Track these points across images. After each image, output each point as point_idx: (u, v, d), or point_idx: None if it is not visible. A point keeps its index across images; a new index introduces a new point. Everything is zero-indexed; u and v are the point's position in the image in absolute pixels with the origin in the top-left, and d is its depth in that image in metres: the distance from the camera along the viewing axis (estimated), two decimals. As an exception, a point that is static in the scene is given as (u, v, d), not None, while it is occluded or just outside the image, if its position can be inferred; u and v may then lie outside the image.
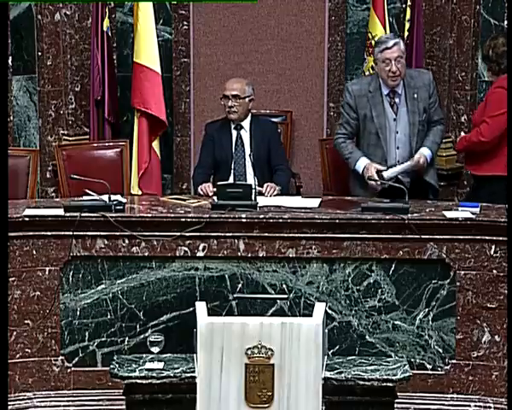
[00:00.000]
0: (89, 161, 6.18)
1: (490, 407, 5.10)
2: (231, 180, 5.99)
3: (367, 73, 6.86)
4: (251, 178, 5.88)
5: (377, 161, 5.77)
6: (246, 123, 6.11)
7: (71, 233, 5.06)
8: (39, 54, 6.96)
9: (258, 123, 6.17)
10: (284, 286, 5.07)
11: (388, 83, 5.79)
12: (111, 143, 6.33)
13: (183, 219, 5.09)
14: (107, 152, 6.28)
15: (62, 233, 5.08)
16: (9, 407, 5.05)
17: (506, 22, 6.68)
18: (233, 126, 6.10)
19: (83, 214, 5.08)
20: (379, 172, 5.71)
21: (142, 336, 5.00)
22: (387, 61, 5.73)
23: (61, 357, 5.12)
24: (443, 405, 5.11)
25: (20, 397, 5.10)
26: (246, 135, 6.10)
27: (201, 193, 5.78)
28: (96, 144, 6.46)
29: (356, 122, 5.86)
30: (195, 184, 6.12)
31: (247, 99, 6.05)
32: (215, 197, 5.26)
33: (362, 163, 5.77)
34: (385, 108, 5.83)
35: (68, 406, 5.11)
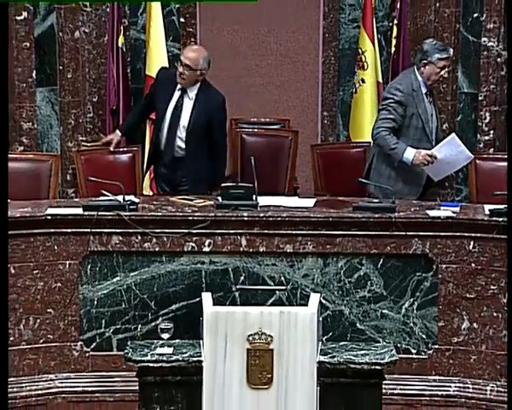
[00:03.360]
0: (105, 165, 6.15)
1: (468, 388, 5.10)
2: (162, 141, 5.93)
3: (357, 85, 6.88)
4: (182, 143, 5.88)
5: None
6: (192, 90, 5.90)
7: (89, 230, 5.06)
8: (60, 68, 6.96)
9: (205, 92, 5.90)
10: (282, 278, 5.06)
11: (433, 84, 5.88)
12: (125, 149, 6.30)
13: (191, 218, 5.08)
14: (121, 156, 6.25)
15: (81, 230, 5.07)
16: (34, 387, 5.06)
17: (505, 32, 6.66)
18: (178, 87, 5.90)
19: (99, 213, 5.07)
20: (428, 155, 5.69)
21: (153, 323, 4.99)
22: (444, 67, 5.78)
23: (80, 342, 5.11)
24: (426, 386, 5.10)
25: (43, 378, 5.09)
26: (188, 102, 5.91)
27: (104, 141, 6.17)
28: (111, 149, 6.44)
29: (401, 119, 5.78)
30: (120, 125, 6.33)
31: (198, 72, 5.83)
32: (219, 198, 5.25)
33: (410, 151, 5.69)
34: (426, 105, 5.83)
35: (87, 386, 5.10)
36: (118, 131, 6.21)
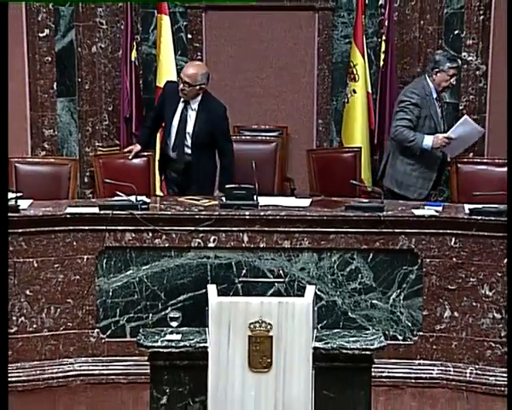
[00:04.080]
0: (120, 168, 6.14)
1: (450, 371, 5.08)
2: (170, 147, 5.94)
3: (349, 96, 6.88)
4: (188, 150, 5.88)
5: None
6: (194, 102, 5.88)
7: (104, 228, 5.05)
8: (79, 80, 6.96)
9: (207, 104, 5.87)
10: (281, 272, 5.04)
11: (443, 90, 6.03)
12: (139, 153, 6.29)
13: (197, 216, 5.07)
14: (135, 161, 6.22)
15: (97, 228, 5.05)
16: (55, 370, 5.04)
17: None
18: (181, 100, 5.89)
19: (114, 212, 5.06)
20: (445, 137, 5.85)
21: (163, 313, 4.97)
22: (453, 75, 5.94)
23: (96, 330, 5.09)
24: (411, 369, 5.09)
25: (64, 362, 5.08)
26: (192, 113, 5.89)
27: (126, 150, 6.17)
28: (125, 153, 6.42)
29: (416, 119, 5.90)
30: (138, 137, 6.31)
31: (197, 86, 5.81)
32: (223, 198, 5.24)
33: (428, 138, 5.84)
34: (436, 108, 5.97)
35: (103, 370, 5.09)
36: (137, 144, 6.22)
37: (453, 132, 5.85)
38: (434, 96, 5.95)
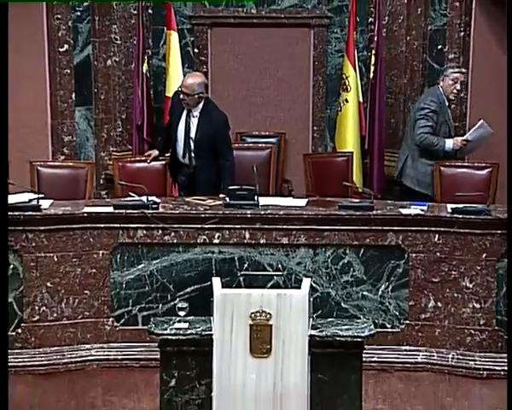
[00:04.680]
0: (137, 171, 6.14)
1: (433, 356, 5.10)
2: (178, 152, 5.96)
3: (342, 104, 6.88)
4: (193, 154, 5.90)
5: None
6: (196, 110, 5.87)
7: (118, 225, 5.06)
8: (95, 90, 6.95)
9: (208, 111, 5.86)
10: (279, 266, 5.05)
11: (450, 96, 6.18)
12: (157, 158, 6.29)
13: (203, 215, 5.07)
14: (153, 164, 6.21)
15: (112, 225, 5.06)
16: (73, 355, 5.04)
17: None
18: (185, 109, 5.92)
19: (127, 211, 5.07)
20: (463, 140, 6.10)
21: (172, 303, 4.98)
22: (456, 80, 6.13)
23: (111, 318, 5.10)
24: (398, 355, 5.10)
25: (81, 348, 5.09)
26: (194, 120, 5.89)
27: (145, 155, 6.23)
28: (143, 158, 6.40)
29: (436, 125, 6.09)
30: (157, 144, 6.33)
31: (196, 96, 5.81)
32: (227, 198, 5.24)
33: (449, 141, 6.11)
34: (449, 114, 6.19)
35: (117, 355, 5.11)
36: (155, 150, 6.25)
37: (470, 135, 6.12)
38: (446, 103, 6.15)
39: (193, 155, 5.93)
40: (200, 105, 5.88)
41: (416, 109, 6.19)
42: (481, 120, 6.19)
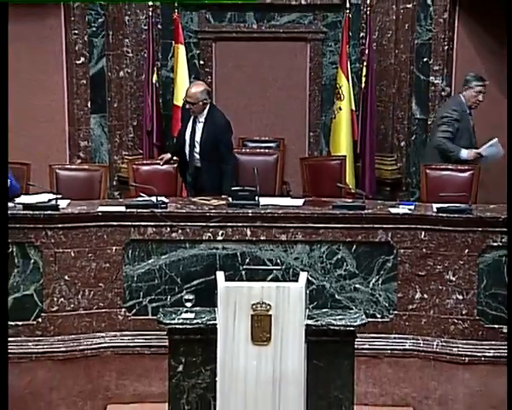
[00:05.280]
0: (149, 173, 6.12)
1: (420, 343, 5.05)
2: (186, 153, 5.98)
3: (336, 112, 6.87)
4: (198, 156, 5.92)
5: None
6: (201, 116, 5.91)
7: (130, 223, 5.03)
8: (109, 99, 6.94)
9: (212, 117, 5.90)
10: (278, 260, 5.02)
11: (472, 106, 6.17)
12: (169, 161, 6.27)
13: (208, 214, 5.05)
14: (165, 167, 6.19)
15: (124, 223, 5.03)
16: (89, 343, 5.02)
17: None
18: (192, 117, 5.97)
19: (138, 210, 5.05)
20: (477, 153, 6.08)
21: (179, 295, 4.94)
22: (480, 92, 6.11)
23: (123, 309, 5.07)
24: (388, 342, 5.07)
25: (96, 336, 5.06)
26: (199, 124, 5.93)
27: (159, 158, 6.19)
28: (157, 161, 6.37)
29: (455, 132, 6.10)
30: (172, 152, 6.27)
31: (200, 103, 5.86)
32: (230, 198, 5.22)
33: (464, 151, 6.10)
34: (470, 122, 6.17)
35: (129, 342, 5.07)
36: (169, 153, 6.24)
37: (484, 151, 6.08)
38: (467, 111, 6.14)
39: (198, 156, 5.95)
40: (205, 111, 5.91)
41: (438, 116, 6.23)
42: (495, 139, 6.12)
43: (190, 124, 5.96)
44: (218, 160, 5.93)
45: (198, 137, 5.92)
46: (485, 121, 6.42)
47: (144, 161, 6.41)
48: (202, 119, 5.92)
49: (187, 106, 5.89)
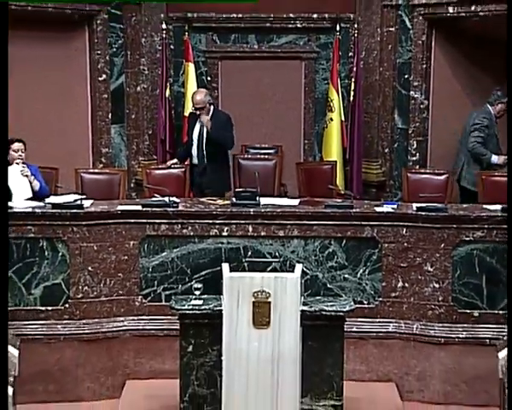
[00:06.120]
0: (161, 176, 6.10)
1: (401, 327, 5.03)
2: (194, 154, 6.06)
3: (327, 122, 6.87)
4: (205, 154, 6.00)
5: None
6: (208, 115, 6.02)
7: (145, 221, 5.01)
8: (127, 111, 6.94)
9: (217, 115, 6.05)
10: (277, 254, 5.00)
11: (500, 116, 6.31)
12: (177, 166, 6.28)
13: (214, 212, 5.03)
14: (175, 171, 6.20)
15: (140, 221, 5.01)
16: (110, 326, 5.00)
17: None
18: (198, 119, 6.06)
19: (153, 209, 5.03)
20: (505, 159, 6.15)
21: (189, 284, 4.92)
22: (505, 106, 6.24)
23: (140, 296, 5.06)
24: (373, 326, 5.04)
25: (116, 320, 5.04)
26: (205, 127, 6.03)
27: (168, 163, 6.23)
28: (165, 166, 6.37)
29: (486, 137, 6.19)
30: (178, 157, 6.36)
31: (207, 105, 6.00)
32: (234, 198, 5.22)
33: (495, 156, 6.21)
34: (497, 129, 6.28)
35: (145, 326, 5.05)
36: (175, 159, 6.34)
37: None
38: (494, 119, 6.27)
39: (205, 154, 5.99)
40: (211, 112, 6.03)
41: (470, 123, 6.29)
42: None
43: (198, 126, 6.02)
44: (225, 158, 6.03)
45: (205, 137, 5.98)
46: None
47: (156, 166, 6.41)
48: (208, 117, 6.02)
49: (197, 112, 5.98)
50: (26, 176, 5.35)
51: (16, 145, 5.38)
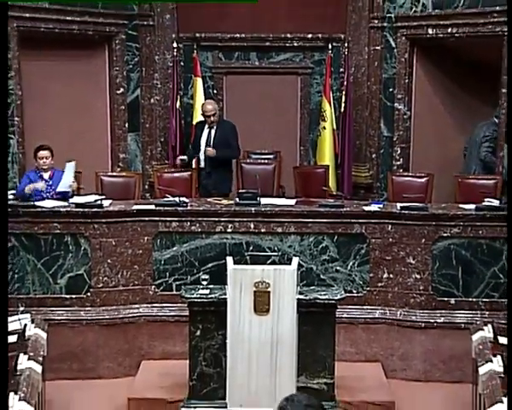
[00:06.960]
0: (171, 179, 6.07)
1: (386, 313, 5.02)
2: (201, 158, 6.04)
3: (321, 131, 6.86)
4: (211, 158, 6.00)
5: None
6: (216, 124, 6.05)
7: (158, 218, 5.00)
8: (142, 121, 6.90)
9: (223, 124, 6.09)
10: (275, 248, 4.99)
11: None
12: (185, 169, 6.25)
13: (220, 211, 5.02)
14: (184, 174, 6.16)
15: (154, 218, 5.00)
16: (126, 312, 4.99)
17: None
18: (206, 126, 6.07)
19: (164, 208, 5.02)
20: None
21: (197, 275, 4.90)
22: None
23: (153, 286, 5.05)
24: (361, 312, 5.03)
25: (132, 307, 5.03)
26: (212, 131, 6.04)
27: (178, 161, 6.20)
28: (177, 169, 6.35)
29: (495, 146, 6.07)
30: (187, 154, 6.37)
31: (217, 112, 6.07)
32: (237, 199, 5.20)
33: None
34: None
35: (157, 312, 5.04)
36: (185, 156, 6.34)
37: None
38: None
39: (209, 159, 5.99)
40: (217, 122, 6.08)
41: (481, 135, 6.22)
42: None
43: (206, 133, 6.04)
44: (225, 165, 6.02)
45: (212, 139, 6.00)
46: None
47: (166, 170, 6.37)
48: (215, 125, 6.06)
49: (209, 119, 6.01)
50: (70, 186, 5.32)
51: (41, 153, 5.36)
